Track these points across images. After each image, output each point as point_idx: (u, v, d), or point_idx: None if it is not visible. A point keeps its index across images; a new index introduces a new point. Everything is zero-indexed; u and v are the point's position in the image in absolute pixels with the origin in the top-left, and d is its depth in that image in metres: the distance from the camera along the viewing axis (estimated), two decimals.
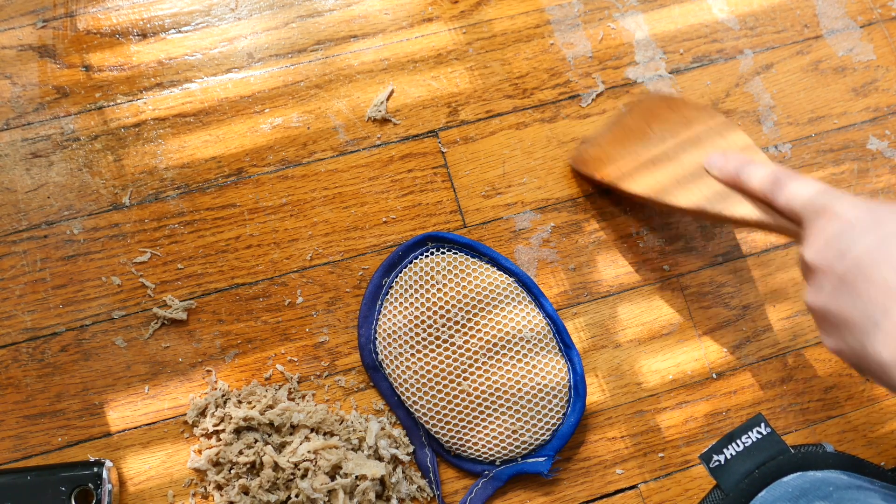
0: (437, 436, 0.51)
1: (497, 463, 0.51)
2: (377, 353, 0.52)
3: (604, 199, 0.57)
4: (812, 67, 0.62)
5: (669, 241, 0.57)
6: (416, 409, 0.51)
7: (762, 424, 0.50)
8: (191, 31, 0.56)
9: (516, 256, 0.55)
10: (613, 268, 0.56)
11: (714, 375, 0.55)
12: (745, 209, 0.46)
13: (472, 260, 0.52)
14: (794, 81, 0.61)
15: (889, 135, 0.61)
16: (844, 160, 0.60)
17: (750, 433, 0.50)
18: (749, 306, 0.57)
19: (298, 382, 0.52)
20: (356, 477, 0.48)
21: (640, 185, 0.51)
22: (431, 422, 0.50)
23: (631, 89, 0.59)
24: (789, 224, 0.44)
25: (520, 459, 0.51)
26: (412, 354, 0.50)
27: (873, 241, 0.36)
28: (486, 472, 0.51)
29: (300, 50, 0.57)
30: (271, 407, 0.50)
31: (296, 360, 0.52)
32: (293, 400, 0.51)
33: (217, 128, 0.55)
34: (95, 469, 0.47)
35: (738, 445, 0.49)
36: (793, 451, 0.50)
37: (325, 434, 0.50)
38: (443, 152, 0.57)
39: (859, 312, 0.36)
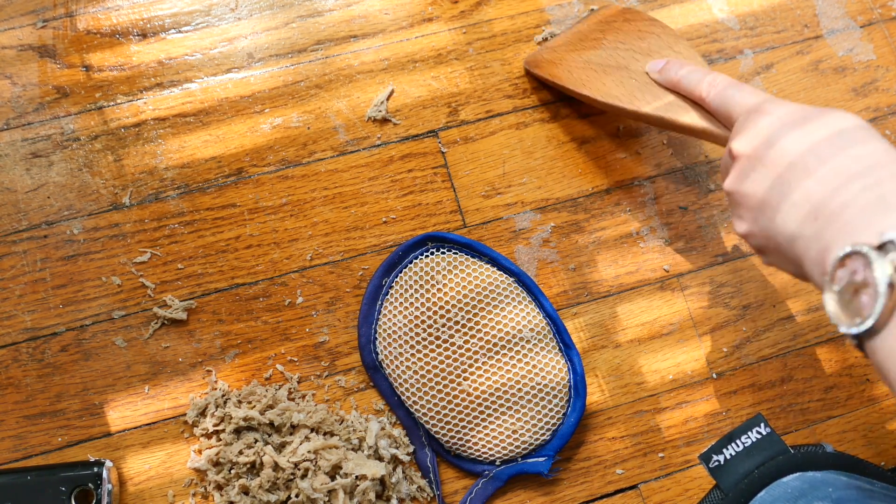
0: (437, 436, 0.51)
1: (497, 463, 0.51)
2: (377, 353, 0.52)
3: (603, 199, 0.57)
4: (812, 67, 0.62)
5: (669, 241, 0.57)
6: (416, 409, 0.51)
7: (762, 424, 0.50)
8: (191, 31, 0.56)
9: (516, 256, 0.55)
10: (613, 268, 0.56)
11: (714, 375, 0.55)
12: (689, 117, 0.48)
13: (472, 260, 0.52)
14: (794, 81, 0.61)
15: (889, 135, 0.61)
16: None
17: (749, 433, 0.50)
18: (749, 306, 0.57)
19: (298, 382, 0.52)
20: (356, 477, 0.48)
21: (589, 87, 0.53)
22: (431, 422, 0.50)
23: None
24: (728, 131, 0.46)
25: (520, 459, 0.51)
26: (412, 354, 0.50)
27: (799, 133, 0.38)
28: (486, 472, 0.51)
29: (300, 50, 0.57)
30: (271, 407, 0.50)
31: (296, 360, 0.52)
32: (293, 400, 0.51)
33: (217, 128, 0.55)
34: (95, 469, 0.47)
35: (738, 445, 0.49)
36: (792, 451, 0.50)
37: (325, 434, 0.50)
38: (443, 152, 0.57)
39: (776, 192, 0.38)
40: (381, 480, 0.49)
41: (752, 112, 0.41)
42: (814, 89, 0.61)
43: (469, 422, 0.50)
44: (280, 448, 0.49)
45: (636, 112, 0.50)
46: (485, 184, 0.56)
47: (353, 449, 0.50)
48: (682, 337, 0.56)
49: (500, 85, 0.58)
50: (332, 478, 0.48)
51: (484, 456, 0.51)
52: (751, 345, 0.56)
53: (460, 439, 0.50)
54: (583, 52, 0.55)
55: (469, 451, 0.51)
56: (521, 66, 0.59)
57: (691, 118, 0.48)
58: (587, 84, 0.53)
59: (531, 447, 0.51)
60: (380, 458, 0.50)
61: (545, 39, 0.59)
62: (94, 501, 0.46)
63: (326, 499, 0.48)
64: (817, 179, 0.36)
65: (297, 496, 0.48)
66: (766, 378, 0.56)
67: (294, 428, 0.50)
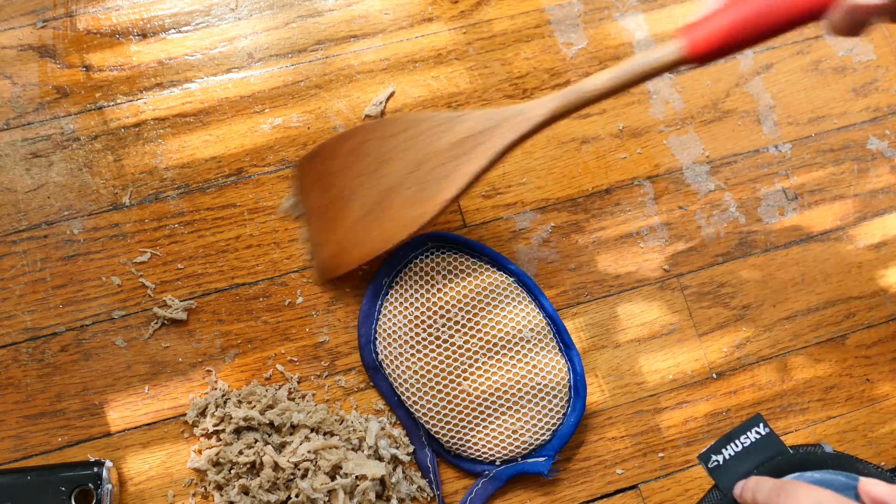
0: (437, 436, 0.51)
1: (497, 463, 0.51)
2: (377, 353, 0.52)
3: (603, 199, 0.57)
4: (812, 67, 0.62)
5: (669, 241, 0.57)
6: (416, 409, 0.51)
7: (761, 424, 0.50)
8: (191, 31, 0.56)
9: (516, 256, 0.55)
10: (613, 268, 0.56)
11: (714, 375, 0.55)
12: (479, 160, 0.44)
13: (472, 260, 0.52)
14: (794, 81, 0.61)
15: (889, 135, 0.61)
16: (844, 160, 0.60)
17: (749, 433, 0.50)
18: (749, 306, 0.57)
19: (298, 382, 0.52)
20: (356, 477, 0.48)
21: (393, 235, 0.47)
22: (431, 422, 0.50)
23: (631, 89, 0.59)
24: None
25: (520, 459, 0.51)
26: (412, 354, 0.50)
27: None
28: (487, 472, 0.51)
29: (300, 50, 0.57)
30: (271, 407, 0.50)
31: (296, 360, 0.52)
32: (293, 400, 0.51)
33: (217, 128, 0.55)
34: (95, 469, 0.47)
35: (737, 445, 0.49)
36: (791, 451, 0.50)
37: (325, 434, 0.50)
38: None
39: None
40: (381, 480, 0.49)
41: None
42: (814, 89, 0.61)
43: (469, 422, 0.50)
44: (280, 448, 0.49)
45: (443, 207, 0.46)
46: (485, 184, 0.56)
47: (353, 449, 0.50)
48: (682, 337, 0.56)
49: (500, 85, 0.58)
50: (332, 478, 0.48)
51: (484, 456, 0.51)
52: (751, 345, 0.56)
53: (460, 439, 0.50)
54: (343, 221, 0.49)
55: (469, 451, 0.51)
56: (521, 65, 0.59)
57: (479, 160, 0.44)
58: (385, 234, 0.47)
59: (531, 447, 0.51)
60: (380, 458, 0.50)
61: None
62: (94, 501, 0.46)
63: (326, 499, 0.48)
64: None
65: (297, 496, 0.47)
66: (766, 378, 0.56)
67: (294, 428, 0.50)
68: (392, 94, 0.57)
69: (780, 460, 0.48)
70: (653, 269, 0.56)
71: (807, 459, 0.48)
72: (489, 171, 0.46)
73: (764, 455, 0.49)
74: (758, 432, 0.50)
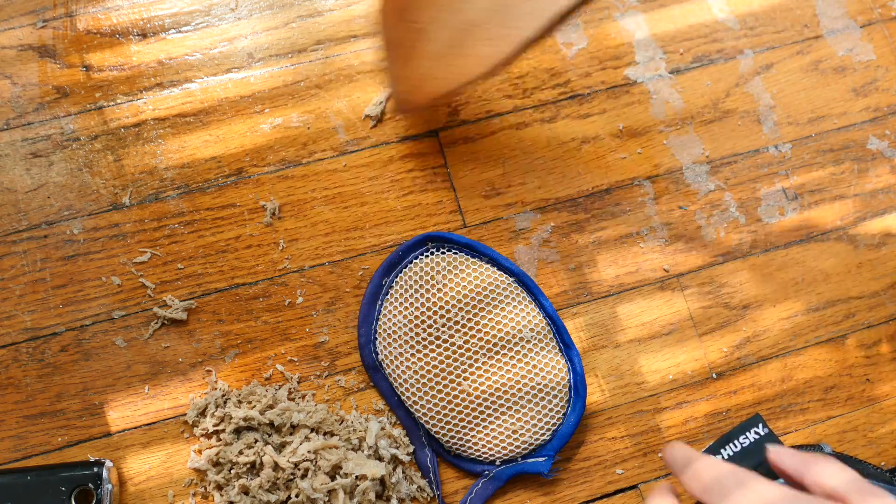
0: (437, 436, 0.51)
1: (497, 463, 0.51)
2: (377, 353, 0.52)
3: (603, 199, 0.57)
4: (812, 67, 0.62)
5: (669, 241, 0.57)
6: (416, 409, 0.51)
7: (760, 425, 0.50)
8: (191, 31, 0.56)
9: (516, 256, 0.55)
10: (613, 268, 0.56)
11: (714, 375, 0.55)
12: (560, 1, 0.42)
13: (472, 260, 0.52)
14: (794, 81, 0.61)
15: (889, 135, 0.61)
16: (844, 160, 0.60)
17: (748, 433, 0.50)
18: (749, 306, 0.57)
19: (298, 382, 0.52)
20: (356, 477, 0.48)
21: (467, 70, 0.46)
22: (431, 422, 0.50)
23: (631, 89, 0.59)
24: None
25: (520, 459, 0.51)
26: (412, 354, 0.50)
27: None
28: (487, 472, 0.51)
29: (300, 50, 0.57)
30: (271, 407, 0.50)
31: (296, 360, 0.52)
32: (293, 400, 0.51)
33: (217, 128, 0.55)
34: (95, 469, 0.47)
35: (736, 446, 0.49)
36: None
37: (325, 434, 0.50)
38: (443, 152, 0.57)
39: None
40: (381, 480, 0.49)
41: None
42: (814, 89, 0.61)
43: (469, 422, 0.50)
44: (280, 448, 0.49)
45: (522, 47, 0.44)
46: (485, 184, 0.56)
47: (353, 449, 0.50)
48: (682, 337, 0.56)
49: (500, 85, 0.58)
50: (332, 478, 0.48)
51: (484, 456, 0.51)
52: (751, 345, 0.56)
53: (460, 439, 0.50)
54: (423, 52, 0.48)
55: (469, 451, 0.51)
56: (521, 65, 0.59)
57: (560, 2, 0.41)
58: (463, 72, 0.46)
59: (531, 447, 0.51)
60: (380, 458, 0.50)
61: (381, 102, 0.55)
62: (94, 501, 0.46)
63: (326, 499, 0.48)
64: None
65: (297, 496, 0.48)
66: (766, 378, 0.56)
67: (294, 428, 0.50)
68: (391, 95, 0.57)
69: None
70: (653, 269, 0.56)
71: None
72: (566, 21, 0.44)
73: (763, 455, 0.49)
74: (757, 432, 0.50)
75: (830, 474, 0.36)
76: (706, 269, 0.57)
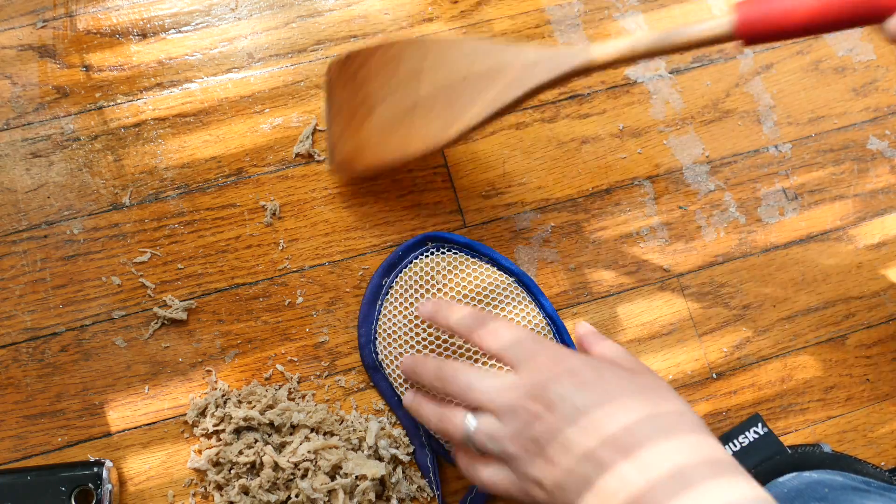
0: (436, 436, 0.51)
1: None
2: (377, 354, 0.52)
3: (603, 199, 0.57)
4: (812, 67, 0.62)
5: (669, 241, 0.57)
6: None
7: (759, 424, 0.50)
8: (191, 31, 0.56)
9: (516, 256, 0.55)
10: (613, 268, 0.56)
11: (714, 375, 0.55)
12: (509, 93, 0.44)
13: (472, 260, 0.52)
14: (794, 81, 0.61)
15: (889, 135, 0.61)
16: (844, 160, 0.60)
17: (747, 433, 0.50)
18: (749, 306, 0.57)
19: (298, 382, 0.52)
20: (356, 477, 0.48)
21: (408, 147, 0.48)
22: None
23: (631, 89, 0.59)
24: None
25: None
26: (412, 355, 0.50)
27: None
28: None
29: (300, 50, 0.57)
30: (271, 407, 0.50)
31: (296, 360, 0.52)
32: (293, 400, 0.51)
33: (217, 128, 0.55)
34: (95, 469, 0.47)
35: (735, 445, 0.49)
36: (790, 451, 0.50)
37: (325, 434, 0.50)
38: (443, 152, 0.57)
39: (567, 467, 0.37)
40: (381, 480, 0.49)
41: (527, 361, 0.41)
42: (814, 89, 0.61)
43: None
44: (280, 448, 0.49)
45: (465, 132, 0.46)
46: (485, 184, 0.56)
47: (353, 449, 0.50)
48: (682, 337, 0.56)
49: None
50: (332, 478, 0.48)
51: None
52: (751, 345, 0.56)
53: None
54: (366, 124, 0.50)
55: None
56: None
57: (507, 94, 0.44)
58: (407, 145, 0.48)
59: None
60: (380, 458, 0.50)
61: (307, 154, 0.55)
62: (94, 501, 0.46)
63: (326, 499, 0.48)
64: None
65: (297, 496, 0.48)
66: (766, 378, 0.56)
67: (294, 428, 0.50)
68: (315, 129, 0.57)
69: (778, 460, 0.48)
70: (653, 269, 0.56)
71: (805, 459, 0.48)
72: (513, 110, 0.46)
73: (762, 455, 0.49)
74: (756, 432, 0.50)
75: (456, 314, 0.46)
76: (706, 269, 0.57)
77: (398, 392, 0.51)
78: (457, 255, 0.52)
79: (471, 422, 0.41)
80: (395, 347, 0.51)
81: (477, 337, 0.43)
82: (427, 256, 0.52)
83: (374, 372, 0.52)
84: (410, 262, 0.52)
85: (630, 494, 0.34)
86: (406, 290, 0.52)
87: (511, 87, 0.44)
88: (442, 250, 0.53)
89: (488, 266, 0.52)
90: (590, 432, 0.36)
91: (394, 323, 0.51)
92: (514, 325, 0.44)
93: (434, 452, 0.51)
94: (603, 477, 0.35)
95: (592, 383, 0.38)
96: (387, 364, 0.51)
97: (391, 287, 0.53)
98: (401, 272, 0.52)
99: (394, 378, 0.51)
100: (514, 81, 0.44)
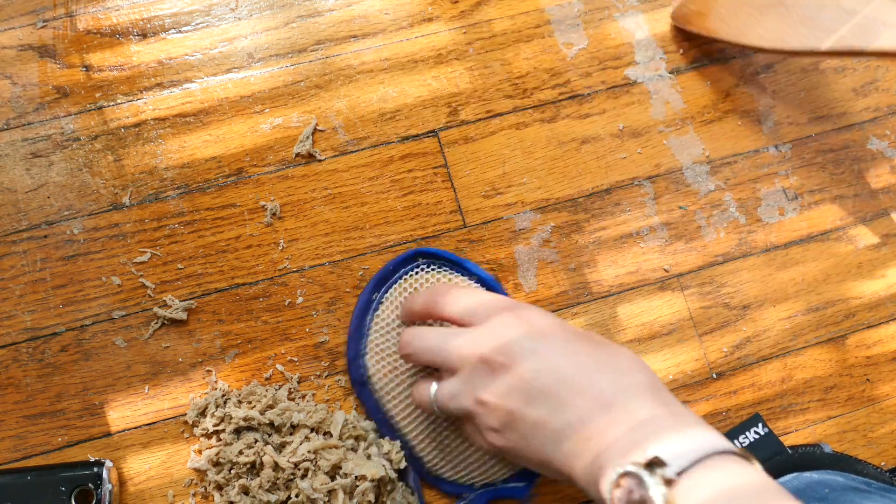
0: (418, 455, 0.50)
1: (476, 486, 0.50)
2: (366, 369, 0.51)
3: (603, 199, 0.57)
4: (812, 67, 0.62)
5: (669, 241, 0.57)
6: (400, 427, 0.50)
7: (759, 424, 0.50)
8: (191, 31, 0.56)
9: (516, 256, 0.55)
10: (613, 268, 0.56)
11: (714, 375, 0.55)
12: (883, 40, 0.40)
13: (461, 278, 0.52)
14: (794, 81, 0.61)
15: (889, 135, 0.61)
16: (844, 160, 0.60)
17: (747, 433, 0.50)
18: (749, 306, 0.57)
19: (298, 382, 0.52)
20: (356, 477, 0.48)
21: (748, 36, 0.47)
22: (413, 441, 0.50)
23: (631, 89, 0.59)
24: None
25: (499, 483, 0.50)
26: (401, 372, 0.50)
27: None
28: (465, 495, 0.50)
29: (300, 50, 0.57)
30: (271, 407, 0.50)
31: (296, 360, 0.52)
32: (293, 400, 0.51)
33: (217, 128, 0.55)
34: (95, 469, 0.47)
35: (736, 445, 0.49)
36: (790, 451, 0.50)
37: (325, 434, 0.50)
38: (443, 152, 0.57)
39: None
40: (381, 481, 0.49)
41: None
42: (814, 89, 0.61)
43: (447, 444, 0.49)
44: (280, 448, 0.49)
45: (813, 52, 0.44)
46: (485, 184, 0.56)
47: (352, 449, 0.50)
48: (682, 337, 0.56)
49: (500, 85, 0.58)
50: (332, 478, 0.48)
51: (463, 479, 0.50)
52: (751, 345, 0.56)
53: (441, 460, 0.50)
54: None
55: (448, 473, 0.50)
56: (521, 65, 0.59)
57: (887, 41, 0.41)
58: (746, 32, 0.47)
59: (511, 472, 0.50)
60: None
61: None
62: (94, 501, 0.46)
63: (326, 499, 0.48)
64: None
65: (297, 496, 0.48)
66: (766, 378, 0.56)
67: (294, 428, 0.50)
68: (316, 128, 0.57)
69: (778, 460, 0.48)
70: (653, 269, 0.56)
71: (805, 459, 0.48)
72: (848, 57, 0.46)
73: (762, 455, 0.49)
74: (756, 432, 0.50)
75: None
76: (706, 269, 0.57)
77: (384, 409, 0.51)
78: (446, 273, 0.52)
79: (433, 388, 0.44)
80: (383, 365, 0.50)
81: (439, 308, 0.45)
82: (416, 273, 0.52)
83: (361, 387, 0.51)
84: (400, 279, 0.52)
85: (594, 442, 0.35)
86: (396, 308, 0.51)
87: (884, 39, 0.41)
88: (432, 267, 0.52)
89: (477, 286, 0.52)
90: (551, 377, 0.38)
91: (384, 339, 0.51)
92: (473, 290, 0.46)
93: (418, 473, 0.51)
94: (566, 422, 0.37)
95: (552, 336, 0.41)
96: (377, 379, 0.51)
97: (381, 303, 0.52)
98: (390, 288, 0.52)
99: (382, 394, 0.51)
100: None
